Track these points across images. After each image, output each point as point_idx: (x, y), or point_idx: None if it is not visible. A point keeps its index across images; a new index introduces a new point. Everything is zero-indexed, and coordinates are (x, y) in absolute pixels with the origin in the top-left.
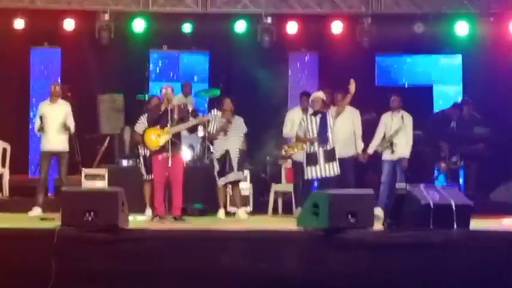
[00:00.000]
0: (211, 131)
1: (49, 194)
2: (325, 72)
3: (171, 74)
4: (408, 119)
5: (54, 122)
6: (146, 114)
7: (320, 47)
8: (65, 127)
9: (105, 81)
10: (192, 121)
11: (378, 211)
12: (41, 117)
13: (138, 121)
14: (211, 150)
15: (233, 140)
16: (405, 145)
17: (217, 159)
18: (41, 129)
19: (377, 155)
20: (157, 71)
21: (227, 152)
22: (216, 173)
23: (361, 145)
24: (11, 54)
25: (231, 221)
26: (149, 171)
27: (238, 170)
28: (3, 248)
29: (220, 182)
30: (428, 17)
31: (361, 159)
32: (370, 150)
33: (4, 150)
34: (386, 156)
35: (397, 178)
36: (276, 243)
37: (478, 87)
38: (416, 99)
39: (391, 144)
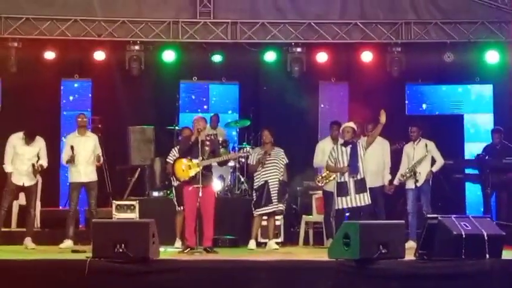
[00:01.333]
0: (252, 163)
1: (80, 226)
2: (355, 101)
3: (201, 104)
4: (431, 145)
5: (83, 153)
6: (177, 146)
7: (350, 76)
8: (98, 158)
9: (135, 113)
10: (223, 156)
11: (410, 244)
12: (72, 148)
13: (170, 154)
14: (242, 181)
15: (272, 171)
16: (428, 172)
17: (255, 189)
18: (72, 160)
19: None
20: (187, 102)
21: (266, 183)
22: (252, 204)
23: (388, 177)
24: (42, 85)
25: (262, 252)
26: (181, 202)
27: (278, 201)
28: (35, 280)
29: (256, 212)
30: (458, 46)
31: (387, 190)
32: (396, 181)
33: (37, 183)
34: (410, 185)
35: (422, 207)
36: (307, 273)
37: (509, 115)
38: (447, 128)
39: (414, 173)
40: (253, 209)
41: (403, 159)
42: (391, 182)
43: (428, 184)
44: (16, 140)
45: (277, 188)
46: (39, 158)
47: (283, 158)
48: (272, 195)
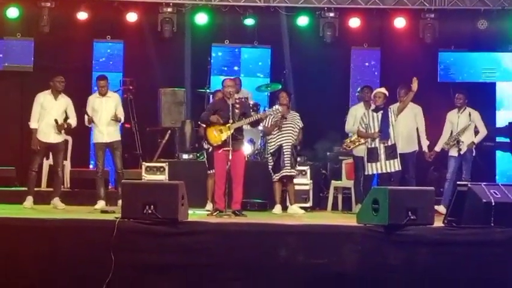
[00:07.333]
0: (267, 125)
1: (109, 187)
2: (387, 68)
3: (233, 68)
4: (476, 115)
5: (104, 114)
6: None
7: (382, 42)
8: (116, 118)
9: (166, 75)
10: (253, 116)
11: (441, 209)
12: (86, 111)
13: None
14: None
15: (287, 135)
16: (470, 143)
17: (271, 153)
18: (90, 121)
19: (441, 152)
20: (219, 65)
21: (280, 147)
22: (270, 168)
23: (426, 142)
24: (74, 46)
25: (291, 216)
26: (212, 166)
27: (291, 166)
28: (64, 239)
29: (276, 177)
30: (492, 13)
31: (428, 157)
32: (437, 148)
33: (66, 142)
34: (453, 152)
35: (462, 175)
36: (335, 238)
37: None
38: (479, 96)
39: (458, 142)
40: (272, 173)
41: (446, 126)
42: (431, 148)
43: (471, 153)
44: (43, 96)
45: (290, 153)
46: (67, 117)
47: (299, 122)
48: (285, 160)
